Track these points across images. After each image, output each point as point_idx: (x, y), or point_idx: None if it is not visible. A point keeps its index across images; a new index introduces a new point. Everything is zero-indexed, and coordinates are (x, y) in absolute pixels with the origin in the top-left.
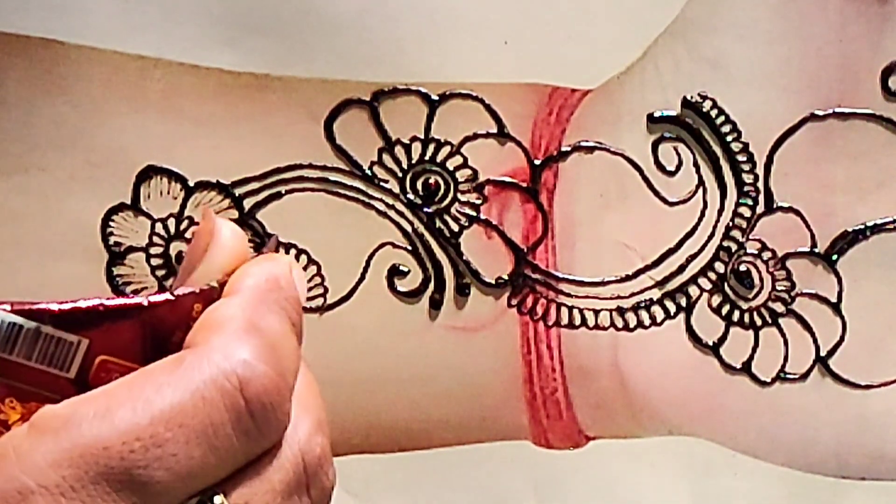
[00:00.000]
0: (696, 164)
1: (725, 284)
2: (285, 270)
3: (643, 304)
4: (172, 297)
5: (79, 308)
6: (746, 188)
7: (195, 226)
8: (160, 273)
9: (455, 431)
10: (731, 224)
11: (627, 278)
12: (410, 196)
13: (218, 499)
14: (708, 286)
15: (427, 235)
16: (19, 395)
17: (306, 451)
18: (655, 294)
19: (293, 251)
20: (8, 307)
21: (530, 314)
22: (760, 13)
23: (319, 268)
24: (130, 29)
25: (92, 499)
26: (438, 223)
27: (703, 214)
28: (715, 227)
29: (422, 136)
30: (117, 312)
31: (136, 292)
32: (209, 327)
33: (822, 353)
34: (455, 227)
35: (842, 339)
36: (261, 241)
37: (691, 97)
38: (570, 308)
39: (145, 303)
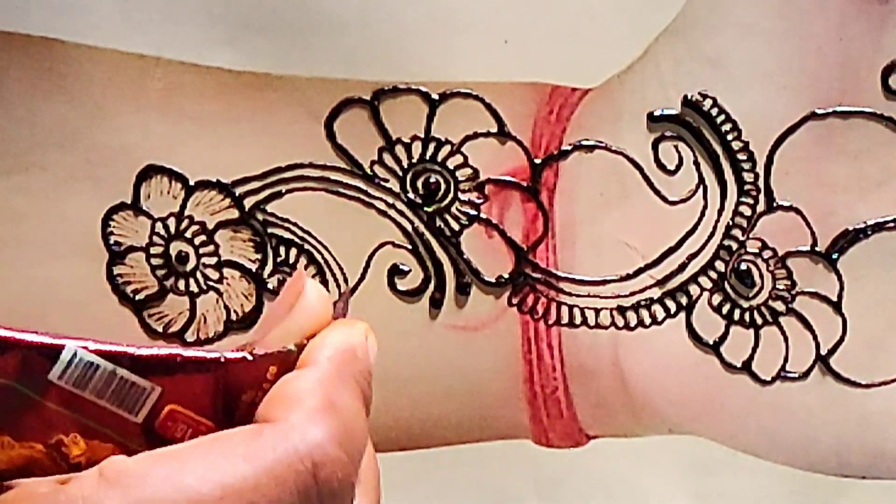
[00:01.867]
0: (696, 163)
1: (726, 283)
2: (362, 340)
3: (644, 303)
4: (250, 358)
5: (156, 356)
6: (747, 187)
7: (188, 219)
8: (160, 273)
9: (455, 430)
10: (731, 223)
11: (628, 277)
12: (411, 195)
13: None
14: (708, 285)
15: (427, 234)
16: (84, 432)
17: None
18: (656, 293)
19: (294, 251)
20: (90, 345)
21: (531, 313)
22: (761, 12)
23: (320, 267)
24: (131, 28)
25: None
26: (439, 222)
27: (703, 213)
28: (715, 225)
29: (422, 136)
30: (193, 365)
31: (136, 292)
32: (286, 401)
33: (823, 352)
34: (455, 227)
35: (842, 337)
36: (260, 239)
37: (692, 96)
38: (571, 307)
39: (222, 359)
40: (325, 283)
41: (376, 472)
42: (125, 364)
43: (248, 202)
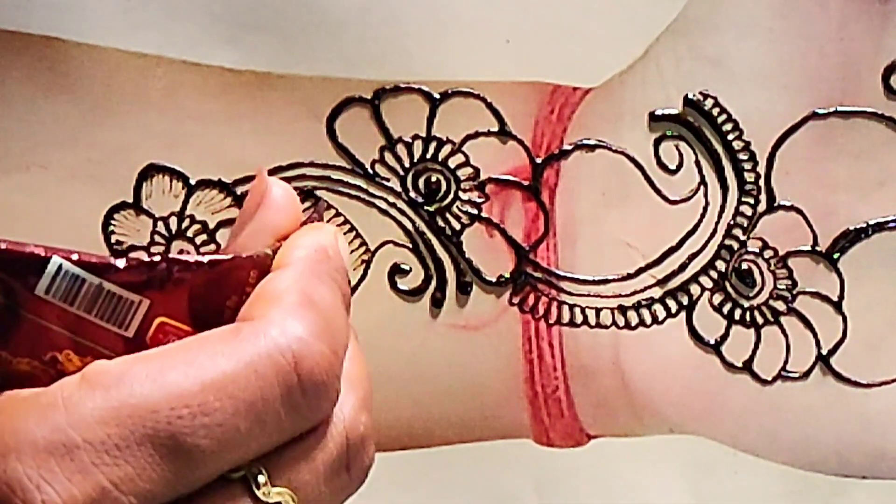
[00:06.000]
0: (697, 163)
1: (727, 283)
2: (332, 240)
3: (644, 303)
4: (231, 258)
5: (144, 266)
6: (748, 186)
7: (189, 218)
8: None
9: (456, 430)
10: (732, 222)
11: (629, 276)
12: (412, 194)
13: (262, 478)
14: (709, 284)
15: (428, 234)
16: (77, 349)
17: (351, 430)
18: (657, 292)
19: None
20: (75, 256)
21: (532, 312)
22: (762, 11)
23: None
24: (132, 27)
25: (136, 458)
26: (440, 221)
27: (704, 213)
28: (716, 225)
29: (423, 135)
30: (178, 271)
31: None
32: (265, 300)
33: (824, 352)
34: (456, 226)
35: (843, 337)
36: None
37: (693, 95)
38: (572, 306)
39: (205, 260)
40: None
41: (363, 366)
42: (112, 277)
43: None
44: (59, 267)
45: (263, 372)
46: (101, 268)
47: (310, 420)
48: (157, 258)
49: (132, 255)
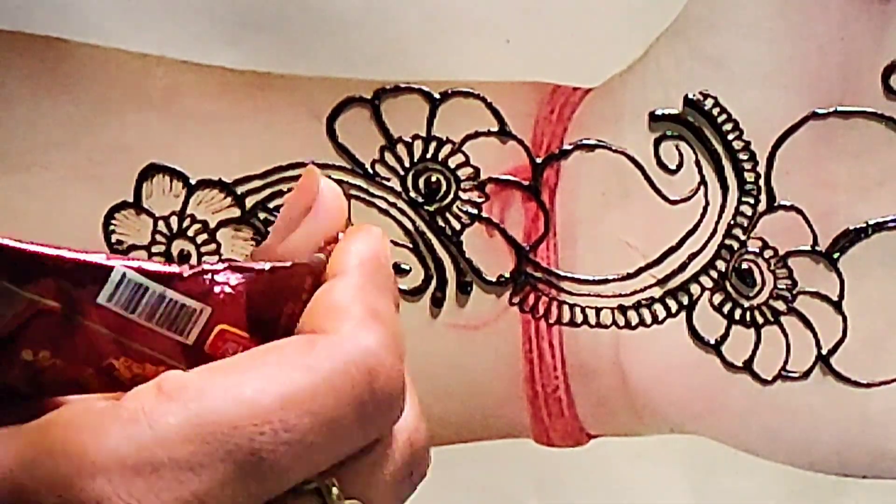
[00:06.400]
0: (697, 163)
1: (727, 283)
2: (383, 246)
3: (645, 302)
4: (291, 266)
5: (206, 275)
6: (748, 186)
7: (190, 218)
8: None
9: (456, 429)
10: (732, 222)
11: (629, 276)
12: (412, 194)
13: (335, 490)
14: (709, 284)
15: (428, 234)
16: (135, 356)
17: (415, 440)
18: (657, 292)
19: None
20: (136, 264)
21: (532, 312)
22: (762, 11)
23: None
24: (133, 27)
25: (218, 476)
26: (440, 221)
27: (704, 212)
28: (716, 225)
29: (423, 135)
30: (241, 277)
31: None
32: (331, 311)
33: (824, 352)
34: (457, 226)
35: (843, 337)
36: (261, 238)
37: (693, 95)
38: (572, 306)
39: (267, 267)
40: None
41: (410, 376)
42: (174, 285)
43: (250, 201)
44: (123, 276)
45: (340, 387)
46: (165, 277)
47: (379, 431)
48: (220, 265)
49: (193, 262)
